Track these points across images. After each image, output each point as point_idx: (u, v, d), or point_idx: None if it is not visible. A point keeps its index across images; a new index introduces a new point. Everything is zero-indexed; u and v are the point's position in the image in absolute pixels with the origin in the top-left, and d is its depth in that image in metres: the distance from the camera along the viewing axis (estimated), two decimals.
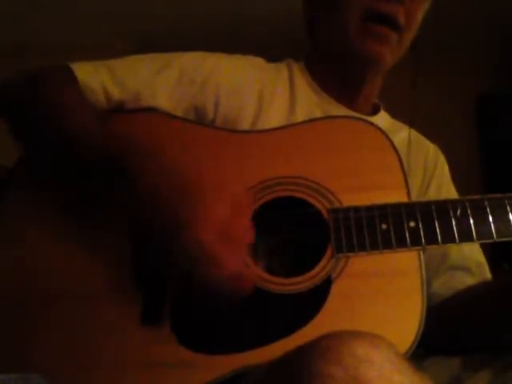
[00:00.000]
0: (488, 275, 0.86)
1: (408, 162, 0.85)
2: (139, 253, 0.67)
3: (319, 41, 0.93)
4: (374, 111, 0.95)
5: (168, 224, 0.60)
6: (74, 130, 0.70)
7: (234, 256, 0.59)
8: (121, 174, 0.65)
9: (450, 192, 0.93)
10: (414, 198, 0.72)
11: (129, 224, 0.66)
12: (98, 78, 0.78)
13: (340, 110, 0.88)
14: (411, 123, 0.94)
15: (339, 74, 0.89)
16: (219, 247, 0.58)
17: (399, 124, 0.97)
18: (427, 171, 0.92)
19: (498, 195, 0.70)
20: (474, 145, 2.87)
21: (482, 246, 0.87)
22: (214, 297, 0.60)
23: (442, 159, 0.96)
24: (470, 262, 0.85)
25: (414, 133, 0.97)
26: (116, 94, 0.78)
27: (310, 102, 0.88)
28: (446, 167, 0.96)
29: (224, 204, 0.60)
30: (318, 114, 0.86)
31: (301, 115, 0.85)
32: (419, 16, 0.85)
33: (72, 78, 0.77)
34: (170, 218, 0.60)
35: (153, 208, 0.61)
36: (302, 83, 0.90)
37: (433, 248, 0.69)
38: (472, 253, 0.86)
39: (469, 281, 0.83)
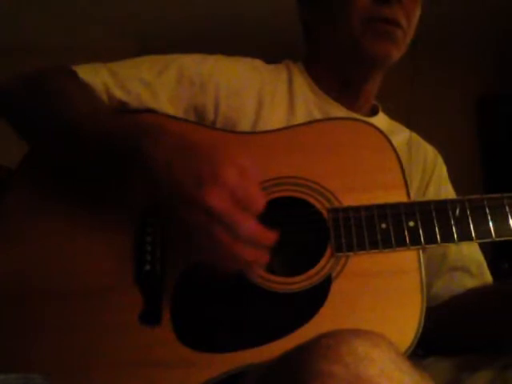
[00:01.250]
0: (487, 275, 0.86)
1: (409, 163, 0.85)
2: (140, 252, 0.67)
3: (319, 42, 0.92)
4: (373, 112, 0.95)
5: (182, 192, 0.59)
6: (74, 119, 0.69)
7: (250, 219, 0.59)
8: (131, 151, 0.64)
9: (448, 193, 0.94)
10: (413, 198, 0.72)
11: (143, 200, 0.65)
12: (100, 78, 0.78)
13: (339, 111, 0.88)
14: (409, 125, 0.95)
15: (340, 74, 0.89)
16: (235, 211, 0.58)
17: (398, 125, 0.97)
18: (426, 173, 0.93)
19: (497, 195, 0.70)
20: (474, 145, 2.87)
21: (482, 246, 0.87)
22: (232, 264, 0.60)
23: (440, 161, 0.97)
24: (469, 262, 0.85)
25: (412, 135, 0.97)
26: (118, 95, 0.78)
27: (309, 103, 0.88)
28: (445, 169, 0.96)
29: (232, 168, 0.59)
30: (317, 115, 0.86)
31: (300, 116, 0.85)
32: (417, 13, 0.85)
33: (73, 77, 0.77)
34: (184, 186, 0.58)
35: (166, 181, 0.60)
36: (301, 84, 0.90)
37: (432, 248, 0.69)
38: (471, 253, 0.86)
39: (468, 282, 0.83)
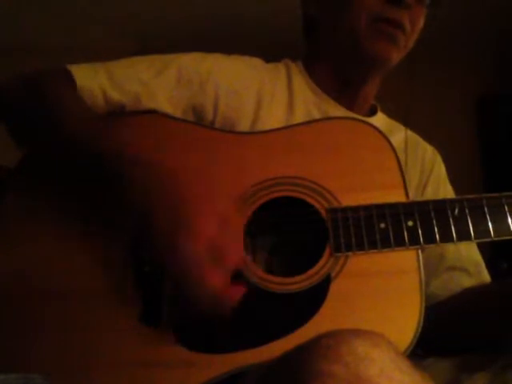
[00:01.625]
0: (485, 275, 0.86)
1: (405, 162, 0.85)
2: (139, 252, 0.68)
3: (320, 41, 0.92)
4: (372, 112, 0.95)
5: (158, 233, 0.59)
6: (67, 129, 0.70)
7: (217, 276, 0.59)
8: (114, 173, 0.65)
9: (447, 193, 0.94)
10: (411, 198, 0.72)
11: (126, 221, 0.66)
12: (97, 81, 0.78)
13: (338, 111, 0.88)
14: (409, 125, 0.95)
15: (340, 74, 0.89)
16: (205, 264, 0.58)
17: (397, 125, 0.97)
18: (424, 172, 0.93)
19: (496, 194, 0.70)
20: (474, 145, 2.87)
21: (481, 245, 0.87)
22: (201, 308, 0.60)
23: (439, 160, 0.97)
24: (467, 262, 0.85)
25: (411, 134, 0.97)
26: (115, 96, 0.78)
27: (308, 102, 0.88)
28: (443, 168, 0.96)
29: (213, 219, 0.60)
30: (316, 114, 0.86)
31: (299, 115, 0.85)
32: (421, 22, 0.86)
33: (70, 81, 0.77)
34: (161, 226, 0.59)
35: (144, 218, 0.61)
36: (300, 83, 0.90)
37: (430, 248, 0.69)
38: (469, 253, 0.86)
39: (466, 282, 0.84)
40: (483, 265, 0.87)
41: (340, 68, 0.89)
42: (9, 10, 2.53)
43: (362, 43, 0.82)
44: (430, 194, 0.91)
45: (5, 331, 0.65)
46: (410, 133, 0.97)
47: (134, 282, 0.67)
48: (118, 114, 0.79)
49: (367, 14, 0.81)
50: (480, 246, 0.87)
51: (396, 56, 0.84)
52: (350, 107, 0.89)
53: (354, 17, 0.82)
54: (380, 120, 0.94)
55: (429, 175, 0.92)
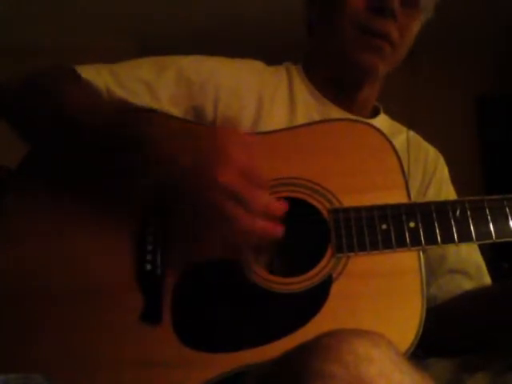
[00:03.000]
0: (486, 277, 0.86)
1: (407, 164, 0.85)
2: (141, 251, 0.67)
3: (317, 46, 0.93)
4: (374, 114, 0.95)
5: (192, 173, 0.60)
6: (77, 119, 0.69)
7: (261, 192, 0.61)
8: (131, 141, 0.65)
9: (449, 195, 0.93)
10: (413, 199, 0.72)
11: (148, 190, 0.66)
12: (101, 80, 0.78)
13: (338, 113, 0.88)
14: (409, 125, 0.95)
15: (335, 77, 0.89)
16: (246, 185, 0.59)
17: (399, 126, 0.97)
18: (426, 174, 0.93)
19: (498, 196, 0.70)
20: (474, 145, 2.88)
21: (482, 246, 0.87)
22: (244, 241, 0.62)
23: (441, 162, 0.96)
24: (468, 265, 0.85)
25: (414, 135, 0.97)
26: (119, 94, 0.78)
27: (309, 106, 0.88)
28: (446, 170, 0.96)
29: (238, 146, 0.61)
30: (317, 117, 0.86)
31: (301, 118, 0.85)
32: (414, 29, 0.85)
33: (75, 77, 0.77)
34: (193, 167, 0.60)
35: (174, 163, 0.61)
36: (301, 86, 0.90)
37: (431, 250, 0.69)
38: (470, 255, 0.86)
39: (466, 284, 0.84)
40: (484, 267, 0.87)
41: (335, 73, 0.89)
42: (9, 10, 2.53)
43: (348, 53, 0.83)
44: (432, 196, 0.91)
45: (5, 331, 0.65)
46: (412, 134, 0.97)
47: (135, 282, 0.67)
48: (122, 104, 0.79)
49: (353, 24, 0.81)
50: (481, 247, 0.87)
51: (382, 67, 0.84)
52: (349, 110, 0.89)
53: (340, 26, 0.83)
54: (382, 121, 0.94)
55: (431, 177, 0.92)
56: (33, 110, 0.75)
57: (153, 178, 0.64)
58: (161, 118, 0.67)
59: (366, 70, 0.84)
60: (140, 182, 0.66)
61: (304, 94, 0.89)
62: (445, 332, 0.77)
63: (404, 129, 0.95)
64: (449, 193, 0.94)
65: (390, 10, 0.79)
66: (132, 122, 0.66)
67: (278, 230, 0.63)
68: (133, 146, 0.64)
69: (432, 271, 0.82)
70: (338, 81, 0.89)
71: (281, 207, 0.63)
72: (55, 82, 0.77)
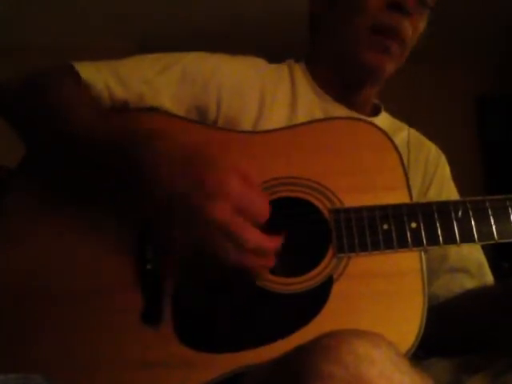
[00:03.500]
0: (488, 276, 0.86)
1: (408, 162, 0.85)
2: (142, 251, 0.67)
3: (322, 43, 0.93)
4: (375, 112, 0.95)
5: (185, 206, 0.59)
6: (74, 125, 0.69)
7: (253, 230, 0.60)
8: (128, 165, 0.64)
9: (450, 193, 0.93)
10: (414, 198, 0.72)
11: (142, 211, 0.65)
12: (101, 78, 0.78)
13: (340, 111, 0.88)
14: (410, 123, 0.95)
15: (339, 77, 0.89)
16: (238, 221, 0.58)
17: (400, 124, 0.97)
18: (428, 172, 0.92)
19: (500, 196, 0.70)
20: (474, 145, 2.88)
21: (483, 246, 0.87)
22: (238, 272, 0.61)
23: (443, 160, 0.96)
24: (469, 263, 0.85)
25: (415, 133, 0.97)
26: (119, 93, 0.78)
27: (311, 103, 0.88)
28: (448, 168, 0.96)
29: (234, 177, 0.60)
30: (319, 115, 0.86)
31: (302, 116, 0.85)
32: (422, 28, 0.86)
33: (74, 77, 0.77)
34: (185, 195, 0.59)
35: (168, 191, 0.60)
36: (303, 84, 0.90)
37: (433, 249, 0.69)
38: (471, 254, 0.86)
39: (468, 283, 0.83)
40: (486, 266, 0.86)
41: (339, 72, 0.89)
42: (9, 9, 2.53)
43: (357, 52, 0.83)
44: (433, 195, 0.90)
45: (5, 331, 0.65)
46: (414, 132, 0.97)
47: (136, 281, 0.67)
48: (121, 111, 0.79)
49: (369, 22, 0.81)
50: (482, 247, 0.87)
51: (390, 66, 0.84)
52: (351, 107, 0.89)
53: (355, 26, 0.83)
54: (384, 120, 0.94)
55: (432, 175, 0.92)
56: (33, 110, 0.75)
57: (148, 202, 0.63)
58: (157, 138, 0.64)
59: (373, 70, 0.84)
60: (135, 202, 0.65)
61: (306, 91, 0.89)
62: (445, 331, 0.77)
63: (405, 127, 0.95)
64: (450, 191, 0.94)
65: (407, 8, 0.80)
66: (131, 144, 0.65)
67: (269, 264, 0.62)
68: (129, 170, 0.64)
69: (433, 270, 0.82)
70: (341, 79, 0.89)
71: (273, 245, 0.62)
72: (55, 82, 0.76)
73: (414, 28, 0.83)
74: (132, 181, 0.64)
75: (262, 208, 0.61)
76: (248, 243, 0.59)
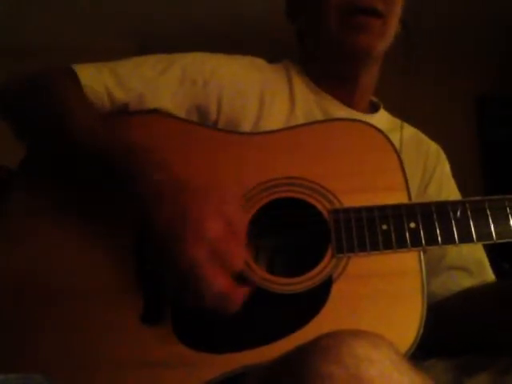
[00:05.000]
0: (489, 274, 0.86)
1: (406, 160, 0.85)
2: (141, 251, 0.68)
3: (309, 44, 0.94)
4: (374, 110, 0.95)
5: (163, 231, 0.60)
6: (74, 133, 0.70)
7: (222, 275, 0.59)
8: (121, 175, 0.65)
9: (450, 191, 0.93)
10: (414, 196, 0.72)
11: (130, 221, 0.66)
12: (101, 81, 0.78)
13: (339, 108, 0.88)
14: (402, 122, 0.95)
15: (333, 71, 0.90)
16: (209, 266, 0.58)
17: (399, 122, 0.97)
18: (427, 170, 0.92)
19: (498, 197, 0.70)
20: (474, 145, 2.87)
21: (483, 246, 0.87)
22: (205, 309, 0.61)
23: (442, 158, 0.96)
24: (468, 261, 0.85)
25: (415, 131, 0.97)
26: (119, 95, 0.78)
27: (309, 102, 0.88)
28: (447, 166, 0.96)
29: (217, 220, 0.60)
30: (317, 113, 0.86)
31: (300, 115, 0.85)
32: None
33: (74, 80, 0.77)
34: (166, 225, 0.60)
35: (150, 211, 0.62)
36: (300, 83, 0.90)
37: (432, 248, 0.69)
38: (471, 253, 0.86)
39: (466, 282, 0.83)
40: (487, 265, 0.86)
41: (331, 66, 0.89)
42: (9, 9, 2.53)
43: (340, 40, 0.83)
44: (432, 193, 0.90)
45: (5, 331, 0.65)
46: (414, 130, 0.97)
47: (136, 282, 0.67)
48: (121, 114, 0.79)
49: (336, 11, 0.81)
50: (483, 247, 0.87)
51: (378, 44, 0.83)
52: (348, 104, 0.89)
53: (325, 16, 0.83)
54: (382, 118, 0.94)
55: (432, 173, 0.92)
56: (32, 111, 0.75)
57: (137, 214, 0.65)
58: (151, 163, 0.65)
59: (361, 52, 0.83)
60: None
61: (303, 91, 0.89)
62: (443, 330, 0.77)
63: (404, 124, 0.95)
64: (450, 189, 0.94)
65: None
66: (123, 163, 0.66)
67: (229, 311, 0.61)
68: (120, 183, 0.66)
69: (431, 268, 0.82)
70: (335, 72, 0.89)
71: (238, 297, 0.61)
72: (55, 83, 0.76)
73: (387, 2, 0.81)
74: (122, 190, 0.66)
75: (236, 258, 0.61)
76: (212, 288, 0.58)
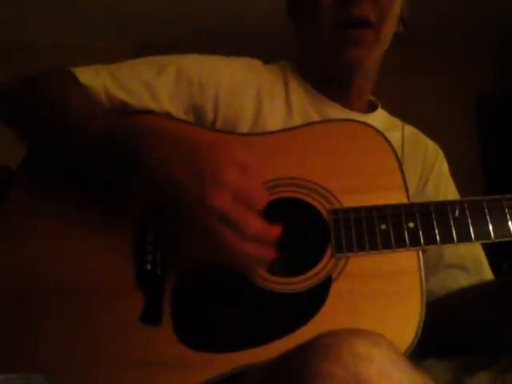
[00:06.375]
0: (487, 273, 0.86)
1: (402, 161, 0.85)
2: (141, 251, 0.67)
3: (304, 47, 0.94)
4: (371, 109, 0.95)
5: (185, 195, 0.59)
6: (76, 125, 0.70)
7: (252, 216, 0.60)
8: (131, 154, 0.64)
9: (448, 190, 0.93)
10: (412, 195, 0.72)
11: (146, 202, 0.65)
12: (100, 81, 0.78)
13: (335, 110, 0.88)
14: (404, 121, 0.95)
15: (328, 75, 0.90)
16: (237, 209, 0.59)
17: (397, 121, 0.97)
18: (425, 169, 0.92)
19: (497, 196, 0.70)
20: (474, 145, 2.87)
21: (482, 246, 0.87)
22: (240, 260, 0.61)
23: (440, 157, 0.96)
24: (466, 260, 0.85)
25: (413, 130, 0.97)
26: (118, 95, 0.78)
27: (305, 103, 0.88)
28: (446, 165, 0.96)
29: (233, 167, 0.60)
30: (313, 115, 0.86)
31: (297, 117, 0.85)
32: (395, 6, 0.84)
33: (74, 79, 0.77)
34: (184, 186, 0.59)
35: (168, 183, 0.61)
36: (296, 85, 0.90)
37: (431, 247, 0.69)
38: (469, 251, 0.86)
39: (464, 280, 0.83)
40: (485, 263, 0.87)
41: (325, 70, 0.89)
42: (9, 9, 2.53)
43: (332, 52, 0.83)
44: (430, 191, 0.91)
45: (5, 331, 0.65)
46: (412, 129, 0.96)
47: (136, 282, 0.67)
48: (121, 112, 0.79)
49: (328, 22, 0.81)
50: (482, 246, 0.87)
51: (370, 55, 0.83)
52: (346, 104, 0.89)
53: (319, 26, 0.83)
54: (380, 117, 0.94)
55: (430, 172, 0.92)
56: (33, 110, 0.75)
57: (147, 197, 0.64)
58: (155, 129, 0.65)
59: (353, 65, 0.83)
60: (135, 196, 0.66)
61: (299, 92, 0.89)
62: (441, 328, 0.77)
63: (402, 124, 0.95)
64: (448, 188, 0.94)
65: None
66: (128, 137, 0.65)
67: (271, 255, 0.62)
68: (126, 167, 0.64)
69: (430, 266, 0.82)
70: (330, 77, 0.89)
71: (274, 232, 0.62)
72: (55, 83, 0.77)
73: (380, 10, 0.80)
74: (129, 176, 0.64)
75: (260, 196, 0.62)
76: (248, 229, 0.59)
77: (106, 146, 0.66)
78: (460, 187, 0.95)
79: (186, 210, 0.59)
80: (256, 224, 0.60)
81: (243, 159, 0.61)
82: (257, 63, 0.93)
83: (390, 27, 0.85)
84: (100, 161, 0.68)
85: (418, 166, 0.92)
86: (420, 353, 0.64)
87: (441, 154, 0.96)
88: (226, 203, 0.58)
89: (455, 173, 0.97)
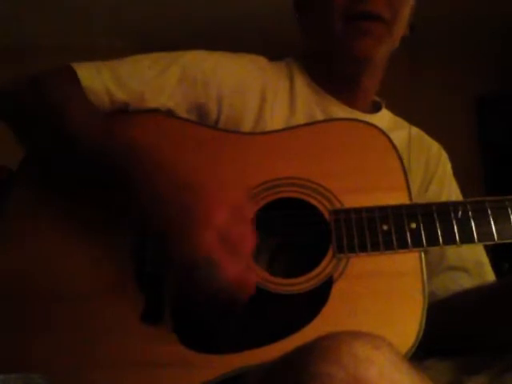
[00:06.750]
0: (489, 275, 0.86)
1: (409, 160, 0.85)
2: (141, 252, 0.68)
3: (312, 42, 0.93)
4: (376, 109, 0.95)
5: (168, 226, 0.60)
6: (74, 131, 0.70)
7: (235, 259, 0.59)
8: (121, 174, 0.65)
9: (451, 191, 0.93)
10: (414, 196, 0.72)
11: (130, 222, 0.66)
12: (101, 80, 0.78)
13: (339, 108, 0.88)
14: (410, 122, 0.94)
15: (335, 71, 0.89)
16: (221, 250, 0.58)
17: (401, 122, 0.96)
18: (428, 170, 0.92)
19: (499, 197, 0.70)
20: (474, 145, 2.87)
21: (483, 246, 0.87)
22: (215, 301, 0.60)
23: (444, 158, 0.96)
24: (467, 262, 0.85)
25: (416, 130, 0.96)
26: (120, 95, 0.78)
27: (310, 101, 0.88)
28: (449, 166, 0.96)
29: (224, 207, 0.60)
30: (318, 113, 0.86)
31: (301, 115, 0.85)
32: (406, 9, 0.84)
33: (74, 79, 0.77)
34: (170, 220, 0.60)
35: (152, 210, 0.62)
36: (301, 82, 0.90)
37: (432, 249, 0.69)
38: (470, 253, 0.86)
39: (465, 282, 0.83)
40: (487, 265, 0.86)
41: (332, 67, 0.89)
42: (9, 9, 2.53)
43: (343, 43, 0.82)
44: (433, 192, 0.90)
45: (5, 331, 0.65)
46: (415, 130, 0.96)
47: (136, 282, 0.67)
48: (121, 113, 0.79)
49: (340, 14, 0.81)
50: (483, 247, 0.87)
51: (379, 49, 0.82)
52: (351, 103, 0.89)
53: (327, 18, 0.82)
54: (384, 117, 0.93)
55: (433, 173, 0.92)
56: (33, 111, 0.75)
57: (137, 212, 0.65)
58: (151, 161, 0.66)
59: (362, 57, 0.83)
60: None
61: (304, 90, 0.89)
62: (444, 329, 0.77)
63: (406, 124, 0.95)
64: (451, 189, 0.93)
65: None
66: (123, 161, 0.66)
67: (243, 299, 0.61)
68: (119, 181, 0.66)
69: (432, 268, 0.82)
70: (337, 74, 0.89)
71: (250, 282, 0.61)
72: (55, 84, 0.76)
73: (392, 7, 0.80)
74: (122, 184, 0.66)
75: (246, 241, 0.61)
76: (226, 273, 0.58)
77: (96, 164, 0.68)
78: (460, 187, 0.95)
79: (170, 241, 0.60)
80: (235, 270, 0.59)
81: (235, 199, 0.62)
82: (261, 60, 0.92)
83: (401, 27, 0.85)
84: (98, 165, 0.69)
85: (422, 166, 0.91)
86: (420, 353, 0.64)
87: (444, 155, 0.96)
88: (210, 243, 0.58)
89: (455, 173, 0.97)
